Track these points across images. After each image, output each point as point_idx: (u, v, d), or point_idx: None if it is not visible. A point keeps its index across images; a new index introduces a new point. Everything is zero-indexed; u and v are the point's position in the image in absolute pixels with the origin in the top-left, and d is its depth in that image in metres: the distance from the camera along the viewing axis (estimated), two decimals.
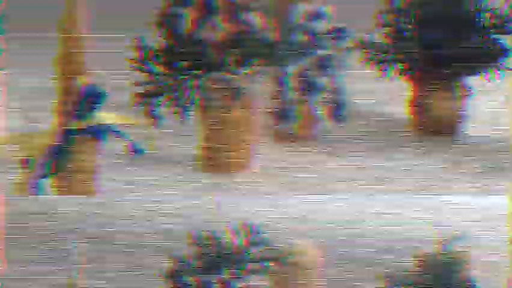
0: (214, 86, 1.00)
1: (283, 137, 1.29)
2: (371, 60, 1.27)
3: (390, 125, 1.37)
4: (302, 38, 1.15)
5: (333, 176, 1.14)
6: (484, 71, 1.25)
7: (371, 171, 1.14)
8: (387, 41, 1.27)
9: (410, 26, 1.26)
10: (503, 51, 1.21)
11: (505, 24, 1.19)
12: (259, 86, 1.08)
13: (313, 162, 1.18)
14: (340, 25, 1.22)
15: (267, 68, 1.05)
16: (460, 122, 1.29)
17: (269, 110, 1.27)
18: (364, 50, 1.25)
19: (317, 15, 1.18)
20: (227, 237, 0.86)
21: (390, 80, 1.30)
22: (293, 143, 1.28)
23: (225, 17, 0.94)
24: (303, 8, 1.17)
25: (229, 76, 0.99)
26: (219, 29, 0.93)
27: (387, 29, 1.28)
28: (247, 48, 0.96)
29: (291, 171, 1.14)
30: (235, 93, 1.00)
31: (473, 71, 1.24)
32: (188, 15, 0.93)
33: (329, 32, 1.20)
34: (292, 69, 1.19)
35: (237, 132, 1.06)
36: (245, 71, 1.00)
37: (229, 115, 1.03)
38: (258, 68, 1.01)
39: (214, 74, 1.00)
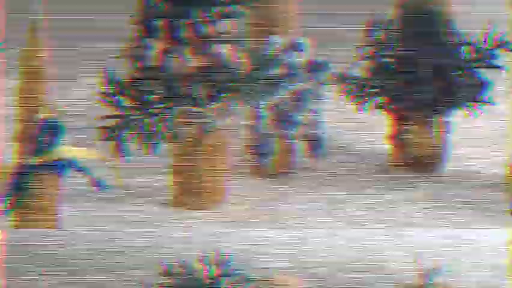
0: (184, 120, 0.97)
1: (260, 172, 1.25)
2: (350, 93, 1.24)
3: (371, 160, 1.34)
4: (278, 70, 1.13)
5: (308, 209, 1.09)
6: (464, 106, 1.22)
7: (343, 206, 1.10)
8: (367, 74, 1.24)
9: (390, 60, 1.24)
10: (484, 86, 1.19)
11: (485, 58, 1.17)
12: (232, 119, 1.05)
13: (286, 196, 1.14)
14: (318, 58, 1.20)
15: (240, 101, 1.02)
16: (441, 157, 1.26)
17: (245, 144, 1.24)
18: (342, 84, 1.23)
19: (294, 48, 1.16)
20: (198, 268, 0.83)
21: (370, 113, 1.27)
22: (270, 178, 1.24)
23: (193, 49, 0.92)
24: (279, 40, 1.15)
25: (199, 110, 0.96)
26: (187, 61, 0.91)
27: (367, 62, 1.25)
28: (217, 82, 0.93)
29: (264, 204, 1.10)
30: (206, 127, 0.97)
31: (453, 106, 1.21)
32: (156, 47, 0.90)
33: (306, 65, 1.18)
34: (268, 102, 1.16)
35: (208, 167, 1.02)
36: (216, 105, 0.97)
37: (199, 149, 1.00)
38: (230, 101, 0.98)
39: (184, 108, 0.97)
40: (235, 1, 0.90)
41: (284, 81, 1.14)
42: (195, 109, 0.95)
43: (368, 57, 1.25)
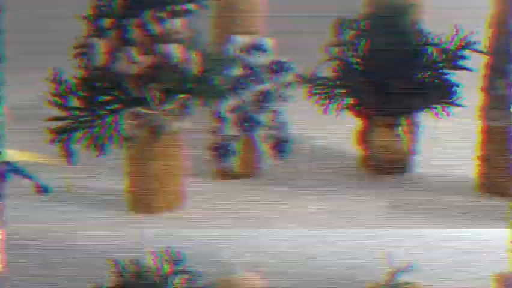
0: (135, 122, 0.94)
1: (224, 174, 1.22)
2: (315, 94, 1.21)
3: (340, 162, 1.31)
4: (237, 71, 1.09)
5: (273, 212, 1.06)
6: (432, 108, 1.19)
7: (308, 207, 1.07)
8: (334, 75, 1.21)
9: (357, 60, 1.21)
10: (451, 87, 1.16)
11: (453, 58, 1.14)
12: (190, 121, 1.02)
13: (250, 199, 1.11)
14: (282, 58, 1.16)
15: (196, 103, 0.99)
16: (408, 160, 1.23)
17: (208, 146, 1.21)
18: (308, 85, 1.20)
19: (256, 47, 1.13)
20: (150, 265, 0.81)
21: (338, 115, 1.24)
22: (234, 180, 1.21)
23: (142, 49, 0.88)
24: (240, 40, 1.11)
25: (149, 111, 0.93)
26: (135, 61, 0.87)
27: (334, 63, 1.22)
28: (167, 83, 0.90)
29: (226, 206, 1.07)
30: (158, 129, 0.93)
31: (420, 108, 1.18)
32: (104, 47, 0.87)
33: (269, 66, 1.15)
34: (230, 104, 1.13)
35: (163, 169, 0.99)
36: (168, 106, 0.94)
37: (152, 152, 0.97)
38: (184, 103, 0.95)
39: (135, 109, 0.94)
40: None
41: (245, 82, 1.11)
42: (145, 111, 0.92)
43: (335, 57, 1.22)
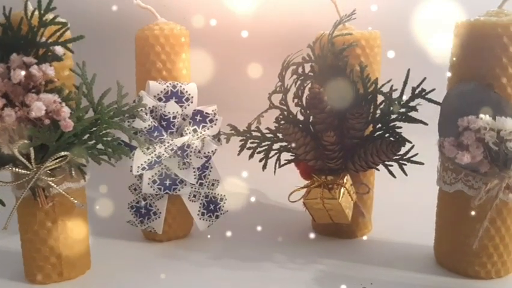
0: (15, 182, 0.81)
1: (150, 236, 1.08)
2: (250, 148, 1.06)
3: (281, 225, 1.15)
4: (150, 123, 0.96)
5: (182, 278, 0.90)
6: (384, 165, 1.02)
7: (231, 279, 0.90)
8: (274, 126, 1.07)
9: (301, 109, 1.06)
10: (402, 142, 0.99)
11: (405, 111, 0.98)
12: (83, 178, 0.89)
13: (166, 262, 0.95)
14: (208, 107, 1.03)
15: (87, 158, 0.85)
16: (360, 222, 1.06)
17: (129, 206, 1.07)
18: (242, 138, 1.05)
19: (177, 95, 1.00)
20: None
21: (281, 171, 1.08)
22: (160, 242, 1.07)
23: (8, 100, 0.76)
24: (158, 87, 0.99)
25: (25, 171, 0.80)
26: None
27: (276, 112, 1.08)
28: (37, 140, 0.77)
29: (134, 272, 0.92)
30: (35, 190, 0.81)
31: (369, 166, 1.01)
32: None
33: (192, 115, 1.01)
34: (143, 159, 0.99)
35: (60, 235, 0.86)
36: (49, 165, 0.81)
37: (41, 216, 0.83)
38: (66, 161, 0.82)
39: (11, 169, 0.81)
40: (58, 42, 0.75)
41: (159, 135, 0.98)
42: (22, 171, 0.79)
43: (275, 106, 1.07)
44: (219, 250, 1.04)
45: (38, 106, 0.73)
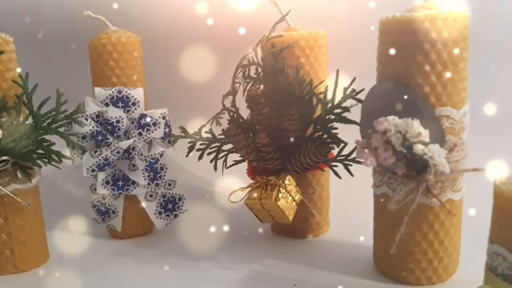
0: None
1: (113, 234, 1.15)
2: (199, 150, 1.09)
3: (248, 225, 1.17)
4: (93, 127, 1.02)
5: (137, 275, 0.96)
6: (328, 165, 1.02)
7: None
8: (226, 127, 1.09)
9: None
10: (338, 143, 0.98)
11: (339, 112, 0.96)
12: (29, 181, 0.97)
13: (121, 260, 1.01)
14: (155, 111, 1.07)
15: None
16: (306, 222, 1.06)
17: (91, 205, 1.14)
18: (192, 139, 1.09)
19: (122, 100, 1.05)
20: None
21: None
22: (122, 240, 1.13)
23: None
24: (103, 92, 1.05)
25: None
26: None
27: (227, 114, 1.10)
28: None
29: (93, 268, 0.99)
30: None
31: (307, 167, 1.01)
32: None
33: (137, 120, 1.06)
34: (91, 162, 1.06)
35: (17, 228, 0.95)
36: None
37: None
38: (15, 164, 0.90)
39: None
40: None
41: (104, 139, 1.03)
42: None
43: (226, 108, 1.10)
44: (169, 248, 1.08)
45: None
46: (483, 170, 0.79)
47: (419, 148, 0.76)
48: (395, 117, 0.78)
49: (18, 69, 0.97)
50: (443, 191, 0.84)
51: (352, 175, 1.00)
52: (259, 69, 1.05)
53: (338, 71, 0.94)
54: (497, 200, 0.69)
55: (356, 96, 0.93)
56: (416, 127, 0.77)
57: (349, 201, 1.16)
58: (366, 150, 0.81)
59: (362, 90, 0.91)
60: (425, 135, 0.76)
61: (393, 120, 0.78)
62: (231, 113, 1.08)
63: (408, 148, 0.78)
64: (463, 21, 0.80)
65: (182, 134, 1.08)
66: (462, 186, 0.86)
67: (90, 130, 1.00)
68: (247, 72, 1.06)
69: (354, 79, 0.93)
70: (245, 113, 1.07)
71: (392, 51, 0.81)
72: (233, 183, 1.08)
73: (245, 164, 1.09)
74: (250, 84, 1.06)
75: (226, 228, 1.16)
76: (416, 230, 0.85)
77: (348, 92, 0.93)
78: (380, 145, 0.79)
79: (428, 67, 0.79)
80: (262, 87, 1.04)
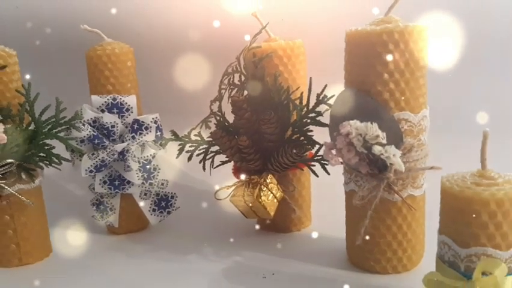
0: None
1: (111, 230, 1.24)
2: (189, 152, 1.18)
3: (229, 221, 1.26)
4: (89, 132, 1.12)
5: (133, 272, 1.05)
6: (306, 164, 1.10)
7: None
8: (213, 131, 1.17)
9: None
10: (312, 144, 1.06)
11: (313, 116, 1.05)
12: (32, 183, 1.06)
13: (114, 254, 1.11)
14: (147, 116, 1.16)
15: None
16: (287, 217, 1.15)
17: (90, 203, 1.24)
18: (182, 142, 1.18)
19: (117, 107, 1.14)
20: None
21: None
22: (118, 235, 1.23)
23: None
24: (99, 100, 1.14)
25: None
26: None
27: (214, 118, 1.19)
28: None
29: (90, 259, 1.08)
30: None
31: (285, 167, 1.09)
32: None
33: (131, 125, 1.15)
34: (88, 164, 1.15)
35: (19, 223, 1.05)
36: None
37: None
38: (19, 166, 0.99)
39: None
40: None
41: (100, 143, 1.13)
42: None
43: (213, 112, 1.18)
44: (160, 243, 1.17)
45: None
46: (440, 168, 0.88)
47: (377, 149, 0.85)
48: (357, 121, 0.86)
49: (28, 76, 1.07)
50: (404, 188, 0.91)
51: (328, 173, 1.08)
52: (243, 77, 1.14)
53: (310, 78, 1.02)
54: (443, 195, 0.77)
55: (328, 102, 1.00)
56: (375, 130, 0.85)
57: (332, 198, 1.23)
58: (332, 151, 0.90)
59: (333, 96, 0.99)
60: (383, 137, 0.84)
61: (355, 124, 0.86)
62: (218, 117, 1.17)
63: (368, 149, 0.86)
64: (419, 34, 0.88)
65: (173, 137, 1.17)
66: (423, 183, 0.94)
67: (87, 134, 1.10)
68: (231, 80, 1.15)
69: (325, 86, 1.01)
70: (231, 117, 1.15)
71: (355, 61, 0.90)
72: (220, 182, 1.17)
73: (231, 164, 1.18)
74: (234, 91, 1.15)
75: (213, 223, 1.25)
76: (380, 223, 0.94)
77: (320, 98, 1.01)
78: (343, 146, 0.87)
79: (387, 76, 0.87)
80: (245, 93, 1.13)
